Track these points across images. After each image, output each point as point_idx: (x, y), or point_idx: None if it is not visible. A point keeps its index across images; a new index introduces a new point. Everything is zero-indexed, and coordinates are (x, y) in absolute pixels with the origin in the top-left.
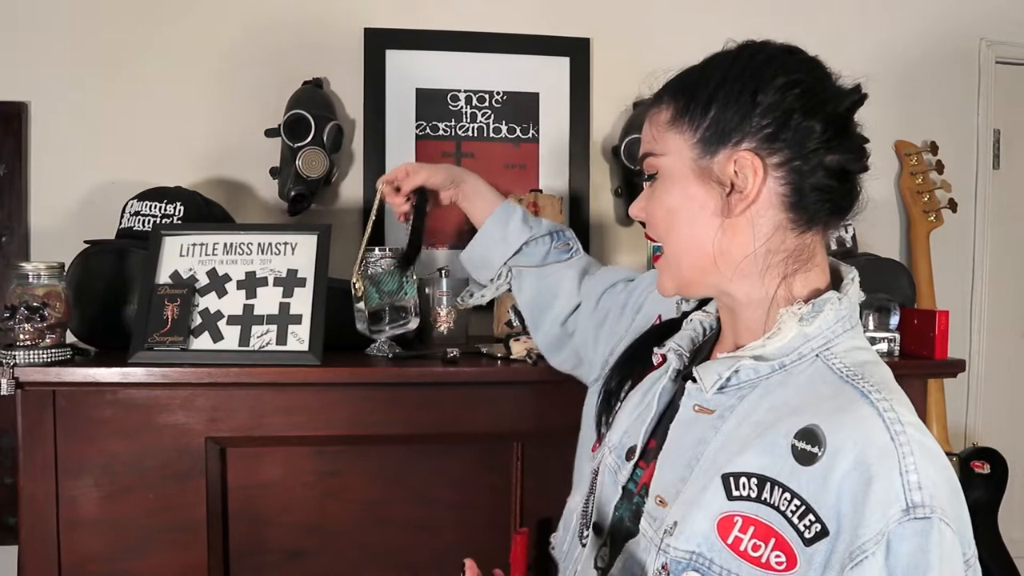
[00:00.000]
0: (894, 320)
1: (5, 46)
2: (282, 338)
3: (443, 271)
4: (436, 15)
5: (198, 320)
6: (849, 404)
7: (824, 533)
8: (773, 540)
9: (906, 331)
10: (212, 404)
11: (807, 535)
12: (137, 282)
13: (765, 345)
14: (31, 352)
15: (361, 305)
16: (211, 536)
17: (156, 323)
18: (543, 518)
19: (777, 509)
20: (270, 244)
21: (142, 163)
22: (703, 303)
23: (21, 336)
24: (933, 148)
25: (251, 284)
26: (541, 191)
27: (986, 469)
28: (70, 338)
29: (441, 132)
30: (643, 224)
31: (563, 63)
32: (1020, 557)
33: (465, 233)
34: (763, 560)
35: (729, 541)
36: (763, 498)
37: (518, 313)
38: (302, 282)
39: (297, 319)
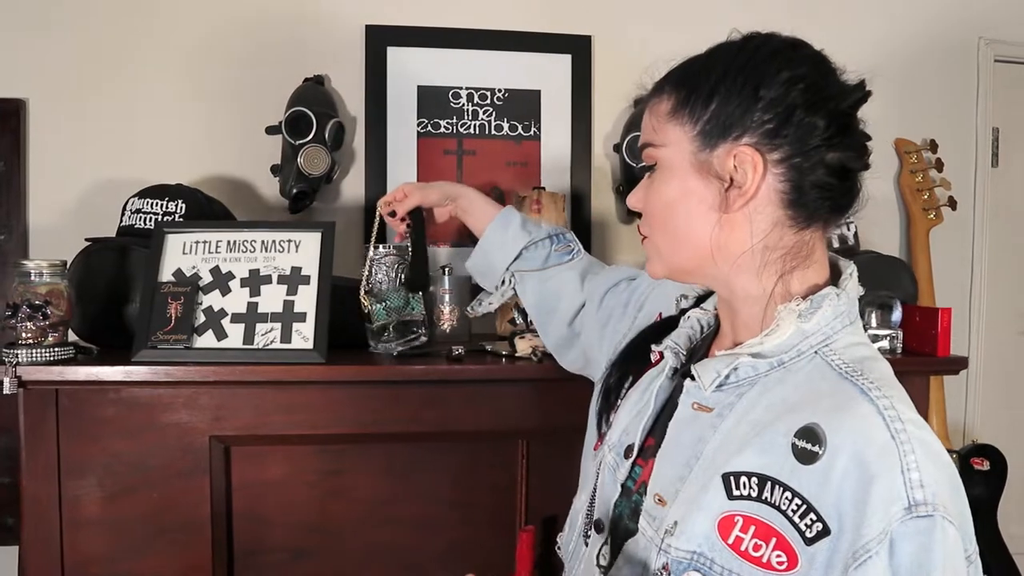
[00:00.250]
0: (896, 316)
1: (2, 43)
2: (286, 336)
3: (446, 269)
4: (437, 12)
5: (202, 318)
6: (848, 402)
7: (826, 532)
8: (774, 540)
9: (908, 328)
10: (216, 403)
11: (808, 534)
12: (139, 280)
13: (763, 342)
14: (34, 351)
15: (370, 323)
16: (215, 535)
17: (159, 321)
18: (548, 516)
19: (778, 508)
20: (274, 241)
21: (141, 161)
22: (701, 301)
23: (23, 334)
24: (932, 146)
25: (255, 282)
26: (544, 188)
27: (985, 466)
28: (72, 337)
29: (443, 129)
30: (639, 216)
31: (565, 60)
32: (1018, 553)
33: (467, 232)
34: (764, 560)
35: (730, 541)
36: (763, 497)
37: (522, 311)
38: (306, 280)
39: (301, 317)
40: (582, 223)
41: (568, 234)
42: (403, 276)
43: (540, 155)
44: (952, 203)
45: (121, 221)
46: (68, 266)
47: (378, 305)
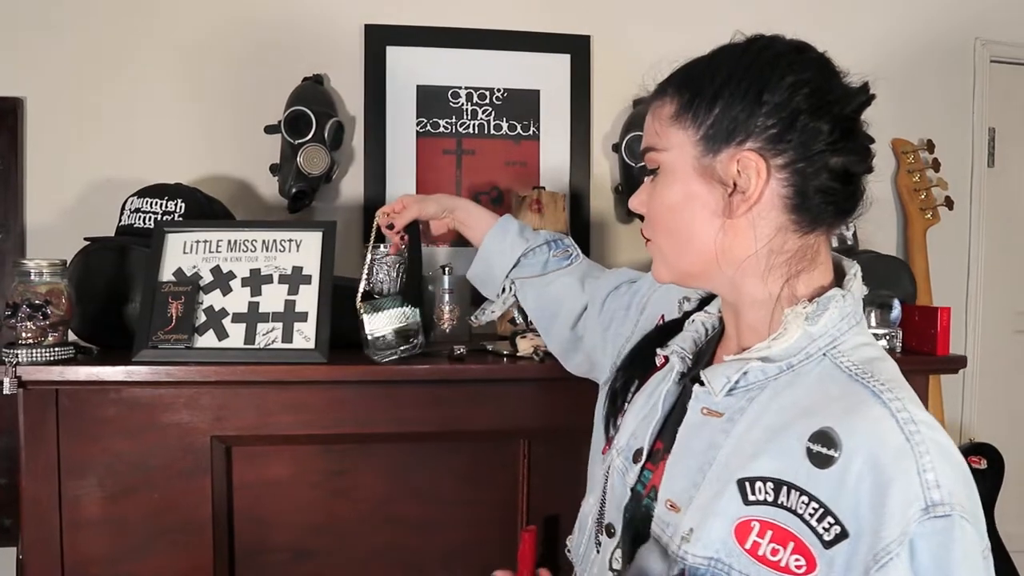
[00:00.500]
0: (895, 315)
1: (1, 42)
2: (288, 336)
3: (446, 268)
4: (437, 12)
5: (203, 318)
6: (860, 404)
7: (844, 535)
8: (792, 544)
9: (908, 328)
10: (217, 403)
11: (827, 537)
12: (139, 280)
13: (771, 346)
14: (33, 350)
15: (366, 331)
16: (216, 536)
17: (160, 321)
18: (550, 516)
19: (795, 513)
20: (275, 241)
21: (139, 160)
22: (704, 303)
23: (23, 334)
24: (929, 146)
25: (256, 281)
26: (544, 188)
27: (982, 465)
28: (72, 337)
29: (442, 129)
30: (641, 218)
31: (564, 60)
32: (1016, 552)
33: None
34: (782, 564)
35: (747, 546)
36: (780, 502)
37: (523, 311)
38: (307, 279)
39: (303, 317)
40: (581, 223)
41: (566, 239)
42: (402, 280)
43: (539, 155)
44: (949, 203)
45: (120, 220)
46: (67, 265)
47: (373, 314)
